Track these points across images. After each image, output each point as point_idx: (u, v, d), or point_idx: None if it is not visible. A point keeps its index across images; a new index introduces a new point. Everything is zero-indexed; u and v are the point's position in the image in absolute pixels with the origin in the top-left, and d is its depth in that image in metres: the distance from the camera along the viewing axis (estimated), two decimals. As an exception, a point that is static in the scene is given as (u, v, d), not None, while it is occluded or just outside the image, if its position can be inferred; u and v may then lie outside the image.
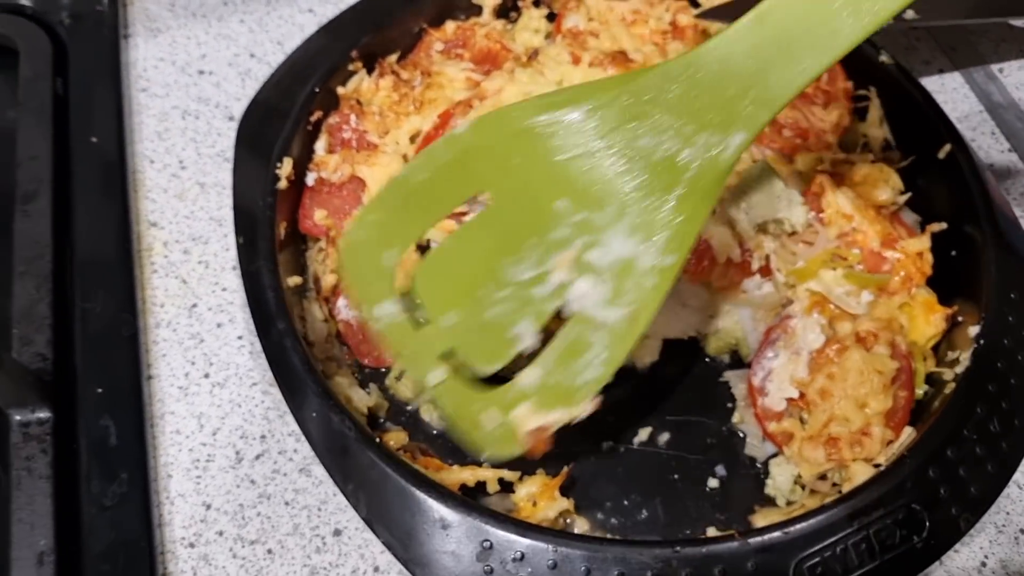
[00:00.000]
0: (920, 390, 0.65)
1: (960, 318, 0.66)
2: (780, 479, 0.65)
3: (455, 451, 0.66)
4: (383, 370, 0.70)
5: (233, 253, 0.72)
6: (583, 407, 0.54)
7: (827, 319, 0.66)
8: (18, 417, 0.63)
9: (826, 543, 0.53)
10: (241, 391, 0.69)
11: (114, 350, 0.69)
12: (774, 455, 0.66)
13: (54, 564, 0.58)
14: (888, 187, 0.69)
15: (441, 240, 0.59)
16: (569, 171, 0.53)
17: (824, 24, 0.48)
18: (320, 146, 0.75)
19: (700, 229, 0.52)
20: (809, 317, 0.66)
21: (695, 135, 0.51)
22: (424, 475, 0.56)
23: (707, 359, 0.72)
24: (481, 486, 0.63)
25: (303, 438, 0.59)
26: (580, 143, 0.52)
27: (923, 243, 0.68)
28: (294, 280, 0.68)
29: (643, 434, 0.67)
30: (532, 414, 0.54)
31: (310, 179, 0.73)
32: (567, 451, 0.66)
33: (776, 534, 0.53)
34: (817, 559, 0.53)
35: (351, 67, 0.77)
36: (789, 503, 0.64)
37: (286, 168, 0.69)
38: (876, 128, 0.77)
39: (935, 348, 0.67)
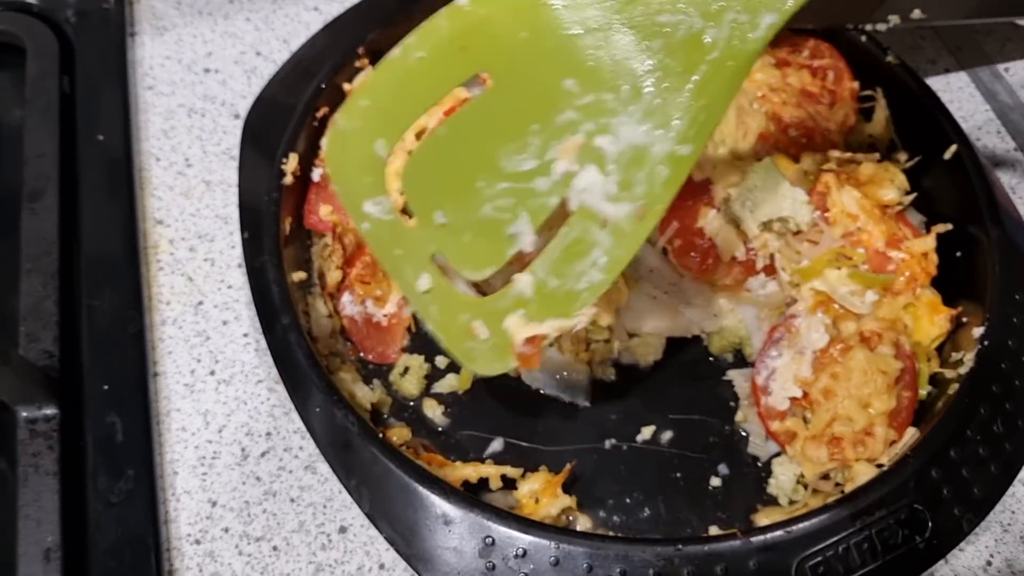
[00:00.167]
0: (924, 390, 0.65)
1: (964, 319, 0.66)
2: (783, 478, 0.65)
3: (458, 447, 0.67)
4: (386, 367, 0.70)
5: (239, 251, 0.72)
6: (581, 316, 0.50)
7: (831, 319, 0.66)
8: (25, 414, 0.63)
9: (828, 542, 0.53)
10: (247, 388, 0.69)
11: (120, 347, 0.69)
12: (777, 454, 0.66)
13: (60, 560, 0.58)
14: (894, 187, 0.69)
15: (433, 128, 0.54)
16: (580, 47, 0.48)
17: None
18: (326, 142, 0.75)
19: (721, 117, 0.48)
20: (813, 316, 0.66)
21: (722, 13, 0.46)
22: (427, 471, 0.56)
23: (711, 358, 0.71)
24: (484, 482, 0.63)
25: (308, 435, 0.59)
26: (594, 16, 0.48)
27: (928, 243, 0.68)
28: (298, 275, 0.68)
29: (646, 432, 0.67)
30: (526, 323, 0.50)
31: (315, 175, 0.73)
32: (570, 449, 0.66)
33: (778, 533, 0.53)
34: (819, 558, 0.53)
35: (357, 63, 0.77)
36: (792, 502, 0.64)
37: (291, 164, 0.69)
38: (882, 128, 0.77)
39: (939, 349, 0.67)
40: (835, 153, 0.71)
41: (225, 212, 0.78)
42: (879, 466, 0.61)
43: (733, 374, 0.70)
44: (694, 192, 0.69)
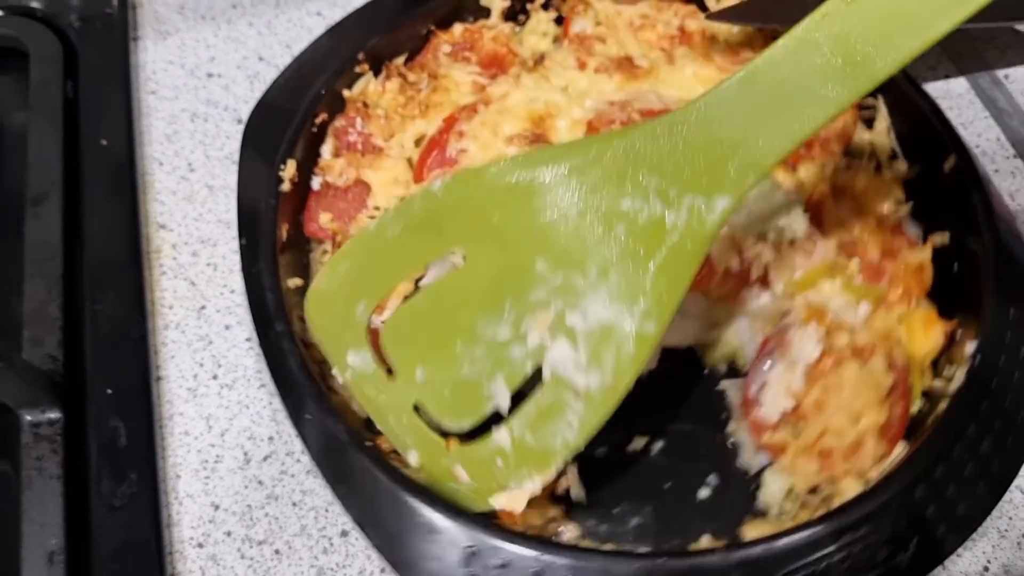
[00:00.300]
0: (916, 404, 0.65)
1: (959, 333, 0.65)
2: (773, 489, 0.64)
3: None
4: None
5: (241, 256, 0.73)
6: (553, 473, 0.55)
7: (824, 330, 0.65)
8: (29, 417, 0.64)
9: (810, 559, 0.53)
10: (249, 393, 0.70)
11: (123, 351, 0.70)
12: (767, 466, 0.66)
13: (64, 563, 0.59)
14: (890, 198, 0.69)
15: (410, 298, 0.59)
16: (550, 232, 0.52)
17: (814, 87, 0.47)
18: (326, 150, 0.75)
19: (681, 296, 0.52)
20: (806, 328, 0.66)
21: (679, 198, 0.50)
22: (413, 480, 0.57)
23: (704, 368, 0.71)
24: None
25: (309, 440, 0.60)
26: (561, 204, 0.51)
27: (924, 256, 0.67)
28: (295, 282, 0.69)
29: (637, 442, 0.67)
30: (504, 493, 0.55)
31: (315, 183, 0.74)
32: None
33: (759, 548, 0.53)
34: (801, 574, 0.53)
35: (358, 69, 0.77)
36: (781, 515, 0.64)
37: (289, 170, 0.70)
38: (883, 138, 0.76)
39: (934, 362, 0.66)
40: (832, 163, 0.71)
41: (228, 217, 0.79)
42: (868, 481, 0.60)
43: (726, 385, 0.70)
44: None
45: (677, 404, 0.70)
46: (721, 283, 0.69)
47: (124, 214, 0.77)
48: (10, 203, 0.77)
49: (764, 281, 0.69)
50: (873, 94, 0.76)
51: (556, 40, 0.85)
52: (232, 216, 0.79)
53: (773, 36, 0.54)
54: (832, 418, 0.63)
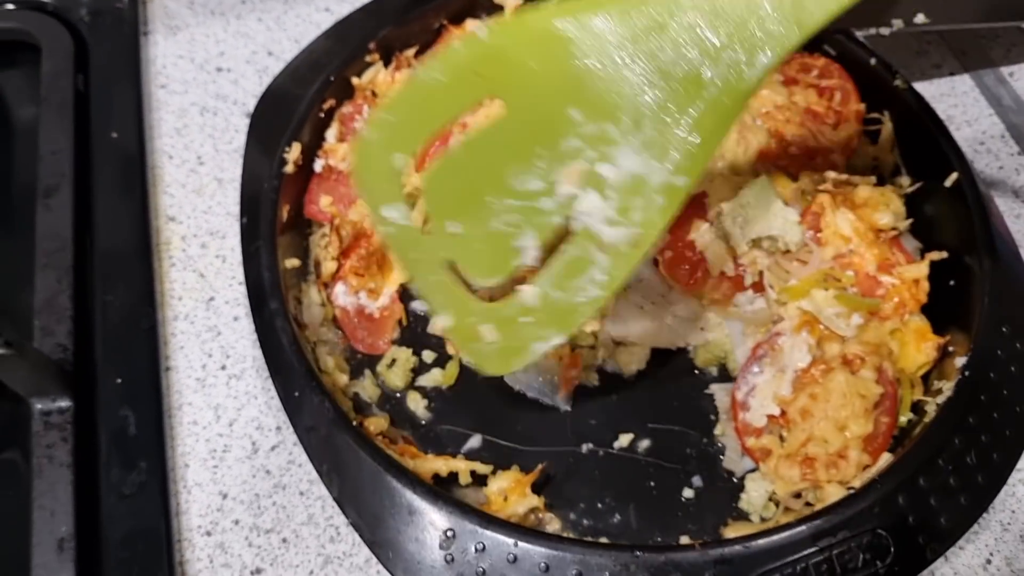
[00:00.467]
0: (905, 417, 0.65)
1: (952, 348, 0.65)
2: (754, 494, 0.64)
3: (437, 441, 0.67)
4: (376, 358, 0.71)
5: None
6: (579, 328, 0.54)
7: (815, 339, 0.65)
8: (39, 406, 0.65)
9: (786, 560, 0.53)
10: (257, 383, 0.71)
11: (133, 342, 0.70)
12: (752, 470, 0.66)
13: (74, 550, 0.59)
14: (889, 211, 0.69)
15: (450, 146, 0.58)
16: (585, 79, 0.50)
17: None
18: (331, 134, 0.76)
19: (714, 151, 0.51)
20: (797, 335, 0.66)
21: (720, 51, 0.48)
22: (396, 461, 0.57)
23: (695, 370, 0.71)
24: (455, 477, 0.64)
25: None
26: (600, 50, 0.50)
27: (920, 270, 0.67)
28: (292, 262, 0.69)
29: (623, 439, 0.68)
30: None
31: (318, 166, 0.75)
32: (547, 450, 0.67)
33: (736, 547, 0.53)
34: None
35: (368, 58, 0.78)
36: (763, 519, 0.64)
37: (294, 153, 0.71)
38: (887, 152, 0.76)
39: (925, 377, 0.66)
40: (832, 174, 0.71)
41: (236, 210, 0.79)
42: (850, 489, 0.60)
43: (715, 388, 0.70)
44: (689, 204, 0.69)
45: (666, 404, 0.70)
46: (715, 286, 0.69)
47: (134, 206, 0.77)
48: (21, 195, 0.77)
49: (758, 287, 0.69)
50: (879, 108, 0.76)
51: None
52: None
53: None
54: (817, 426, 0.63)
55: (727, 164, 0.73)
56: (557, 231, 0.53)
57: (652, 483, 0.66)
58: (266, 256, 0.65)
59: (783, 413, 0.65)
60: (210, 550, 0.63)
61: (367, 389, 0.69)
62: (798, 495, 0.64)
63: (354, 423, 0.59)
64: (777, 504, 0.64)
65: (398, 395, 0.70)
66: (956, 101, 0.92)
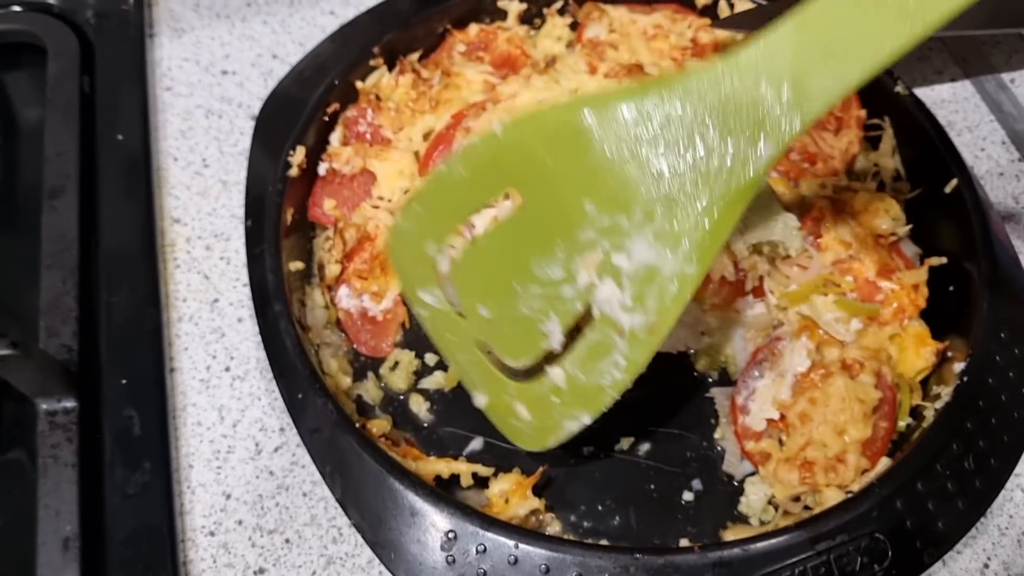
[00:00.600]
0: (903, 422, 0.65)
1: (950, 354, 0.65)
2: (754, 498, 0.65)
3: (439, 443, 0.68)
4: (380, 360, 0.72)
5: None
6: (602, 410, 0.56)
7: (815, 344, 0.66)
8: (45, 406, 0.65)
9: (785, 563, 0.53)
10: (261, 384, 0.71)
11: (138, 343, 0.71)
12: (751, 474, 0.66)
13: (79, 549, 0.60)
14: (889, 218, 0.69)
15: (477, 236, 0.61)
16: (599, 174, 0.53)
17: (870, 30, 0.47)
18: (335, 138, 0.77)
19: (724, 240, 0.52)
20: (797, 340, 0.66)
21: (725, 145, 0.50)
22: (398, 463, 0.58)
23: (695, 374, 0.72)
24: (457, 479, 0.64)
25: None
26: (612, 146, 0.52)
27: (919, 276, 0.68)
28: (296, 265, 0.70)
29: (624, 443, 0.68)
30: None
31: (322, 169, 0.75)
32: (548, 453, 0.66)
33: (735, 550, 0.54)
34: None
35: (372, 63, 0.79)
36: (762, 523, 0.64)
37: (298, 156, 0.71)
38: (887, 158, 0.77)
39: (924, 382, 0.67)
40: (833, 180, 0.71)
41: (241, 212, 0.80)
42: (849, 493, 0.61)
43: (715, 391, 0.70)
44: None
45: (666, 408, 0.70)
46: (716, 291, 0.69)
47: (139, 208, 0.78)
48: (27, 196, 0.78)
49: (759, 292, 0.70)
50: (880, 114, 0.77)
51: (569, 45, 0.86)
52: (245, 212, 0.80)
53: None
54: (816, 430, 0.63)
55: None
56: (578, 317, 0.56)
57: (652, 486, 0.66)
58: (270, 258, 0.66)
59: (782, 417, 0.65)
60: (213, 550, 0.63)
61: (370, 391, 0.70)
62: (797, 499, 0.64)
63: (357, 425, 0.60)
64: (776, 508, 0.65)
65: (401, 397, 0.70)
66: (957, 107, 0.92)
